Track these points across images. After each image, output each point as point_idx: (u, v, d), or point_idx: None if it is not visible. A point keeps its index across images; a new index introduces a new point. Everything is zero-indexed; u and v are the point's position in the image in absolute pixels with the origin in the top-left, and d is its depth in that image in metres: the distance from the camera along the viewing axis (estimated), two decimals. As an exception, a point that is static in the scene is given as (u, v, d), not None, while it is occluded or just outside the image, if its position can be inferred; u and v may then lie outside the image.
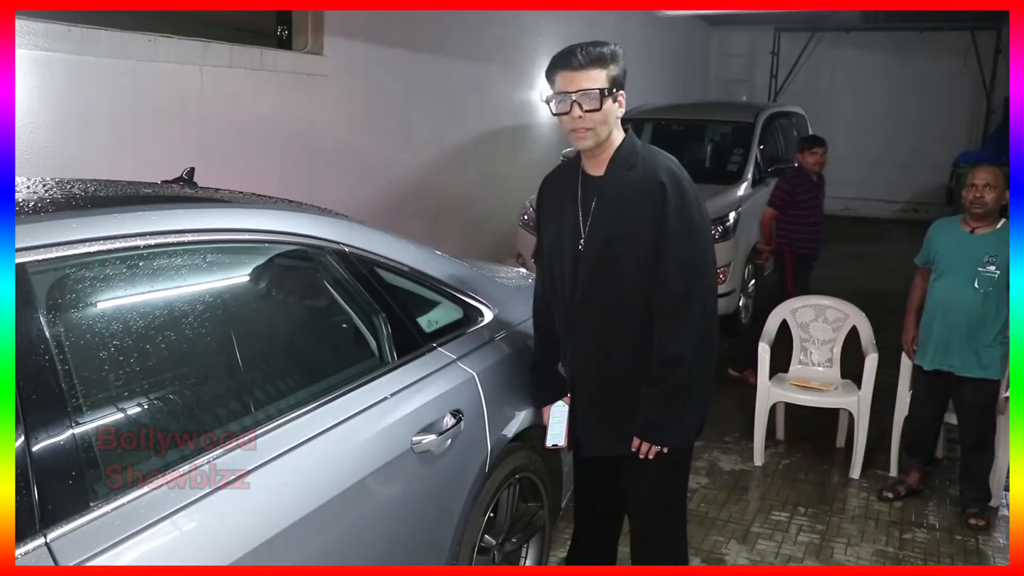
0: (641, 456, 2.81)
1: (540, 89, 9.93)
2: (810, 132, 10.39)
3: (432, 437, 2.59)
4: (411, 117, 7.75)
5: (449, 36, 8.10)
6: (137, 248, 2.08)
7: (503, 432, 3.00)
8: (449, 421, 2.69)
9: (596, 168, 2.82)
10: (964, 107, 14.59)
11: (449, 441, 2.68)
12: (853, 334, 5.25)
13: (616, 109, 2.73)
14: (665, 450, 2.81)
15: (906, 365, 4.90)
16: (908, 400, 4.87)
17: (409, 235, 3.21)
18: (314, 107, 6.54)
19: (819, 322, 5.38)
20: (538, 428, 3.23)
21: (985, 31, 14.13)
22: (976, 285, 4.28)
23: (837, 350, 5.34)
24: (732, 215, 7.20)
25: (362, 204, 6.88)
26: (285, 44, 6.52)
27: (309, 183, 6.40)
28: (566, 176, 2.94)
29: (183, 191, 2.75)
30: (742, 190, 7.68)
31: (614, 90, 2.69)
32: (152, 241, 2.12)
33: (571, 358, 2.96)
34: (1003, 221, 4.36)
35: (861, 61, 15.27)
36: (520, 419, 3.13)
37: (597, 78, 2.65)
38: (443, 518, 2.73)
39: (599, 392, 2.90)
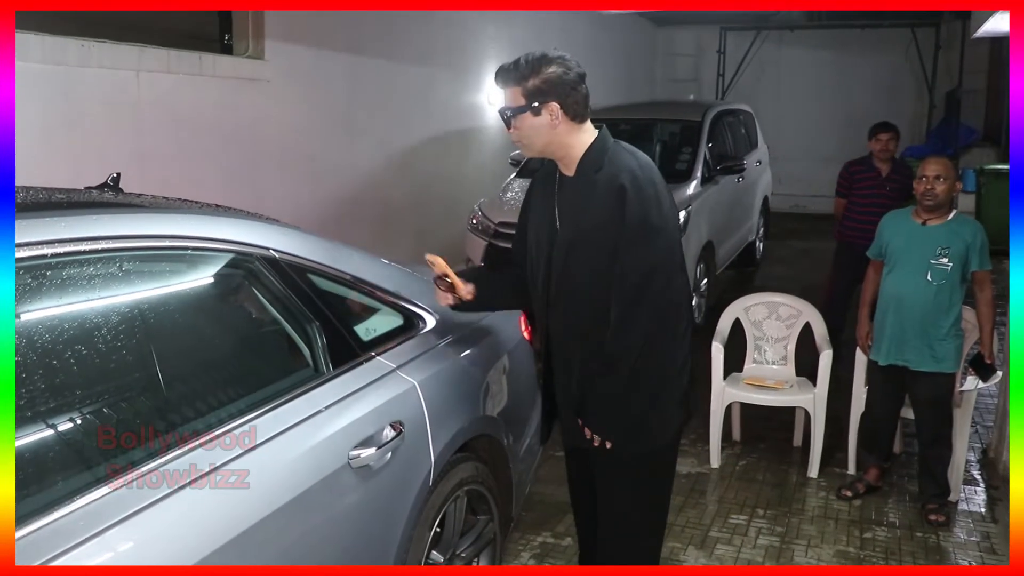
0: (596, 444, 2.77)
1: (487, 92, 9.84)
2: (758, 130, 10.43)
3: (371, 451, 2.45)
4: (356, 121, 7.61)
5: (393, 40, 7.97)
6: (44, 257, 1.93)
7: (448, 443, 2.86)
8: (389, 433, 2.55)
9: (568, 170, 2.82)
10: (907, 103, 14.73)
11: (389, 454, 2.54)
12: (807, 331, 5.20)
13: (547, 122, 2.68)
14: (608, 445, 2.75)
15: (861, 361, 4.84)
16: (864, 396, 4.81)
17: (353, 240, 3.09)
18: (256, 112, 6.38)
19: (772, 320, 5.31)
20: (485, 437, 3.13)
21: (925, 28, 14.28)
22: (929, 278, 4.23)
23: (791, 347, 5.28)
24: (682, 214, 7.13)
25: (307, 210, 6.73)
26: (228, 50, 6.36)
27: (252, 190, 6.24)
28: (548, 178, 2.93)
29: (101, 197, 2.59)
30: (691, 188, 7.62)
31: (536, 103, 2.66)
32: (61, 249, 1.96)
33: (551, 355, 2.95)
34: (954, 213, 4.33)
35: (806, 58, 15.37)
36: (466, 429, 3.00)
37: (513, 96, 2.69)
38: (385, 536, 2.58)
39: (573, 387, 2.85)
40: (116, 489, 1.86)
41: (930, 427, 4.42)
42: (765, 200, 10.80)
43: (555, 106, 2.66)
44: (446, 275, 2.90)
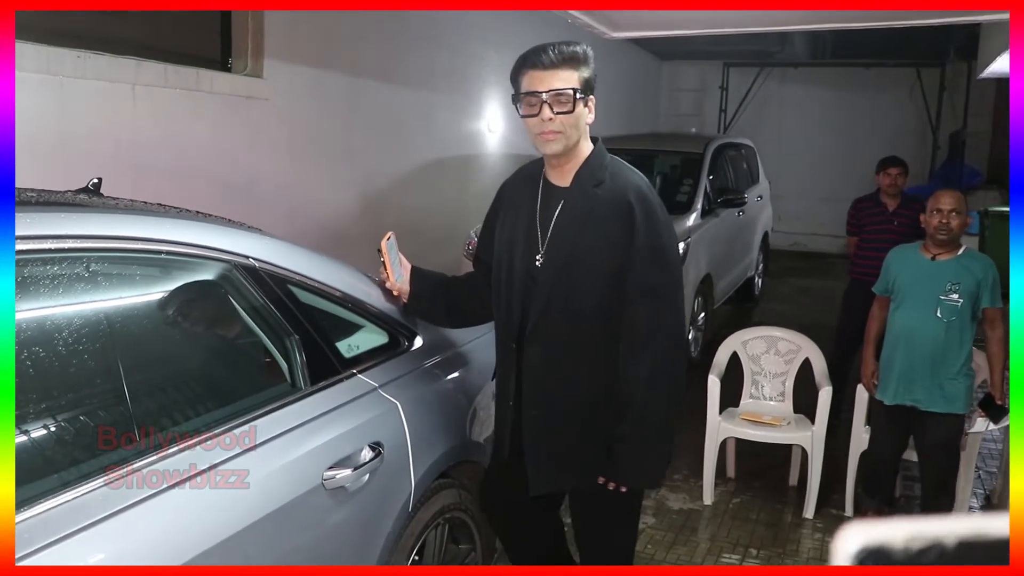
0: (610, 488, 2.61)
1: (487, 119, 9.78)
2: (759, 164, 10.36)
3: (347, 472, 2.33)
4: (354, 143, 7.53)
5: (394, 63, 7.91)
6: (3, 254, 1.82)
7: (430, 467, 2.73)
8: (367, 454, 2.42)
9: (560, 178, 2.64)
10: (910, 143, 14.65)
11: (366, 476, 2.41)
12: (805, 367, 5.08)
13: (587, 114, 2.57)
14: (623, 489, 2.62)
15: (861, 399, 4.72)
16: (864, 436, 4.67)
17: (346, 262, 2.99)
18: (253, 131, 6.30)
19: (771, 354, 5.20)
20: (470, 464, 3.01)
21: (930, 68, 14.26)
22: (939, 314, 4.08)
23: (789, 383, 5.15)
24: (681, 246, 7.03)
25: (302, 230, 6.62)
26: (227, 70, 6.29)
27: (246, 207, 6.12)
28: (526, 183, 2.74)
29: (74, 198, 2.48)
30: (691, 220, 7.53)
31: (585, 93, 2.53)
32: (23, 247, 1.85)
33: (516, 386, 2.70)
34: (964, 248, 4.20)
35: (808, 97, 15.34)
36: (449, 453, 2.87)
37: (569, 78, 2.49)
38: (359, 563, 2.45)
39: (550, 424, 2.65)
40: (70, 500, 1.74)
41: (936, 472, 4.24)
42: (765, 236, 10.70)
43: (593, 101, 2.59)
44: (381, 252, 2.87)
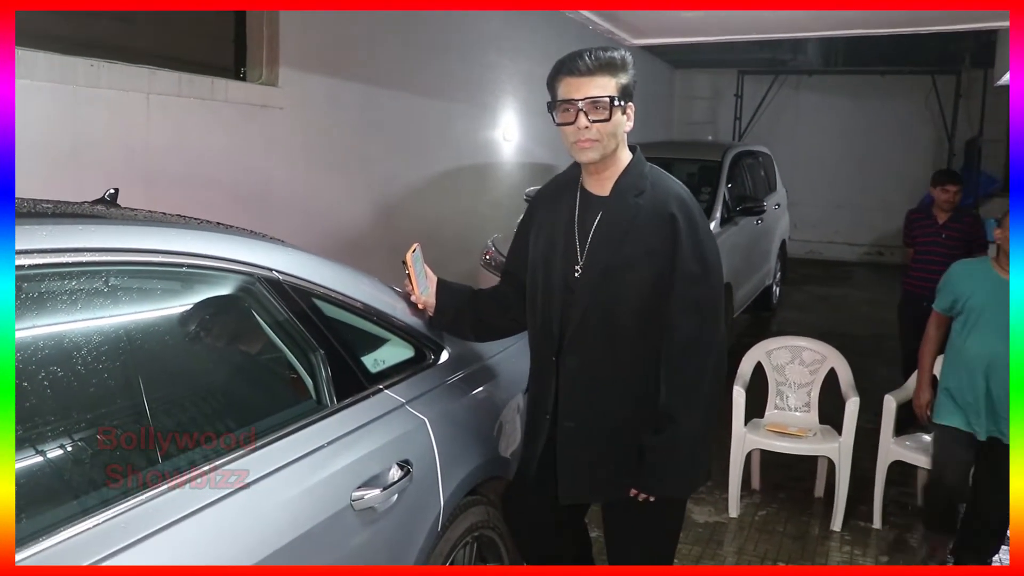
0: (640, 500, 2.56)
1: (503, 127, 9.72)
2: (777, 172, 10.27)
3: (375, 492, 2.25)
4: (369, 152, 7.47)
5: (408, 71, 7.86)
6: (21, 268, 1.74)
7: (459, 485, 2.65)
8: (396, 473, 2.34)
9: (599, 187, 2.58)
10: (926, 151, 14.60)
11: (395, 496, 2.33)
12: (830, 377, 4.98)
13: (625, 122, 2.51)
14: (653, 498, 2.57)
15: (889, 408, 4.62)
16: (893, 447, 4.57)
17: (360, 267, 2.92)
18: (268, 140, 6.24)
19: (795, 364, 5.10)
20: (498, 480, 2.93)
21: (945, 75, 14.17)
22: None
23: (815, 394, 5.06)
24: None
25: (318, 240, 6.56)
26: (242, 79, 6.24)
27: (261, 217, 6.07)
28: (562, 192, 2.67)
29: (91, 209, 2.42)
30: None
31: (624, 101, 2.46)
32: (40, 260, 1.78)
33: (554, 397, 2.64)
34: None
35: (823, 104, 15.26)
36: (478, 470, 2.79)
37: (606, 85, 2.43)
38: (388, 586, 2.38)
39: (586, 435, 2.60)
40: (96, 526, 1.67)
41: (1004, 502, 3.85)
42: (783, 244, 10.59)
43: (632, 108, 2.52)
44: (406, 265, 2.79)
